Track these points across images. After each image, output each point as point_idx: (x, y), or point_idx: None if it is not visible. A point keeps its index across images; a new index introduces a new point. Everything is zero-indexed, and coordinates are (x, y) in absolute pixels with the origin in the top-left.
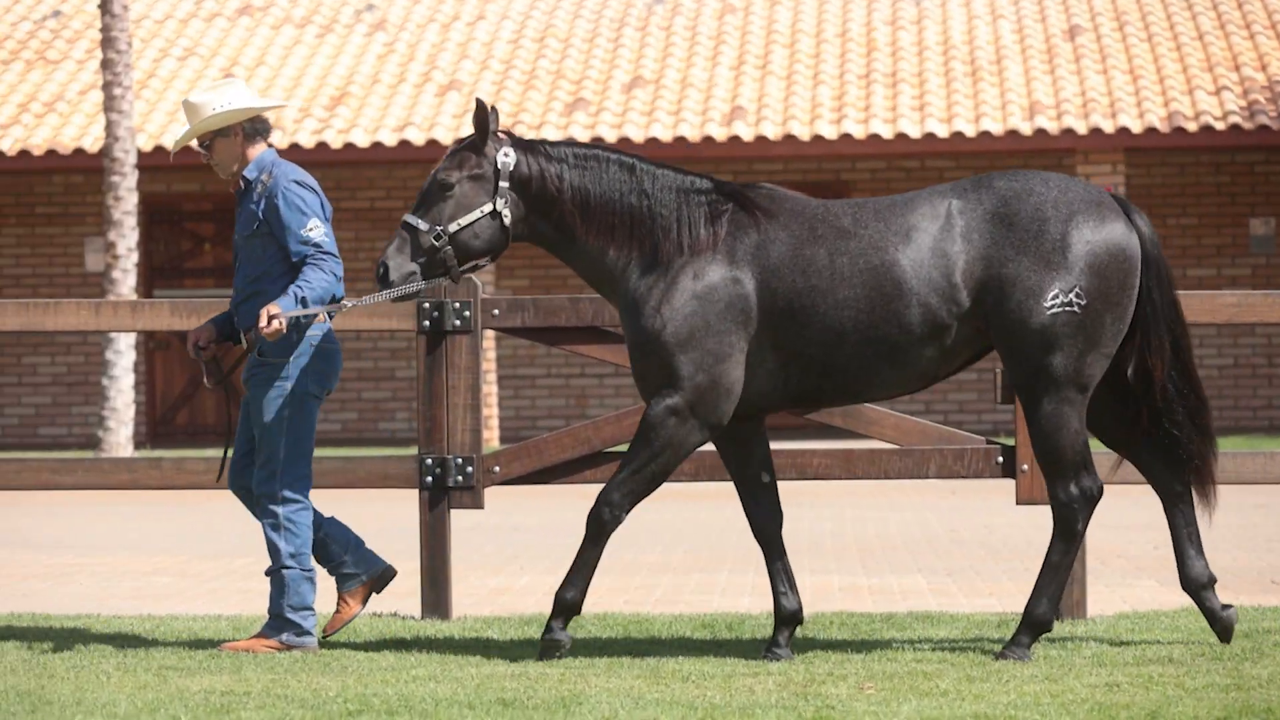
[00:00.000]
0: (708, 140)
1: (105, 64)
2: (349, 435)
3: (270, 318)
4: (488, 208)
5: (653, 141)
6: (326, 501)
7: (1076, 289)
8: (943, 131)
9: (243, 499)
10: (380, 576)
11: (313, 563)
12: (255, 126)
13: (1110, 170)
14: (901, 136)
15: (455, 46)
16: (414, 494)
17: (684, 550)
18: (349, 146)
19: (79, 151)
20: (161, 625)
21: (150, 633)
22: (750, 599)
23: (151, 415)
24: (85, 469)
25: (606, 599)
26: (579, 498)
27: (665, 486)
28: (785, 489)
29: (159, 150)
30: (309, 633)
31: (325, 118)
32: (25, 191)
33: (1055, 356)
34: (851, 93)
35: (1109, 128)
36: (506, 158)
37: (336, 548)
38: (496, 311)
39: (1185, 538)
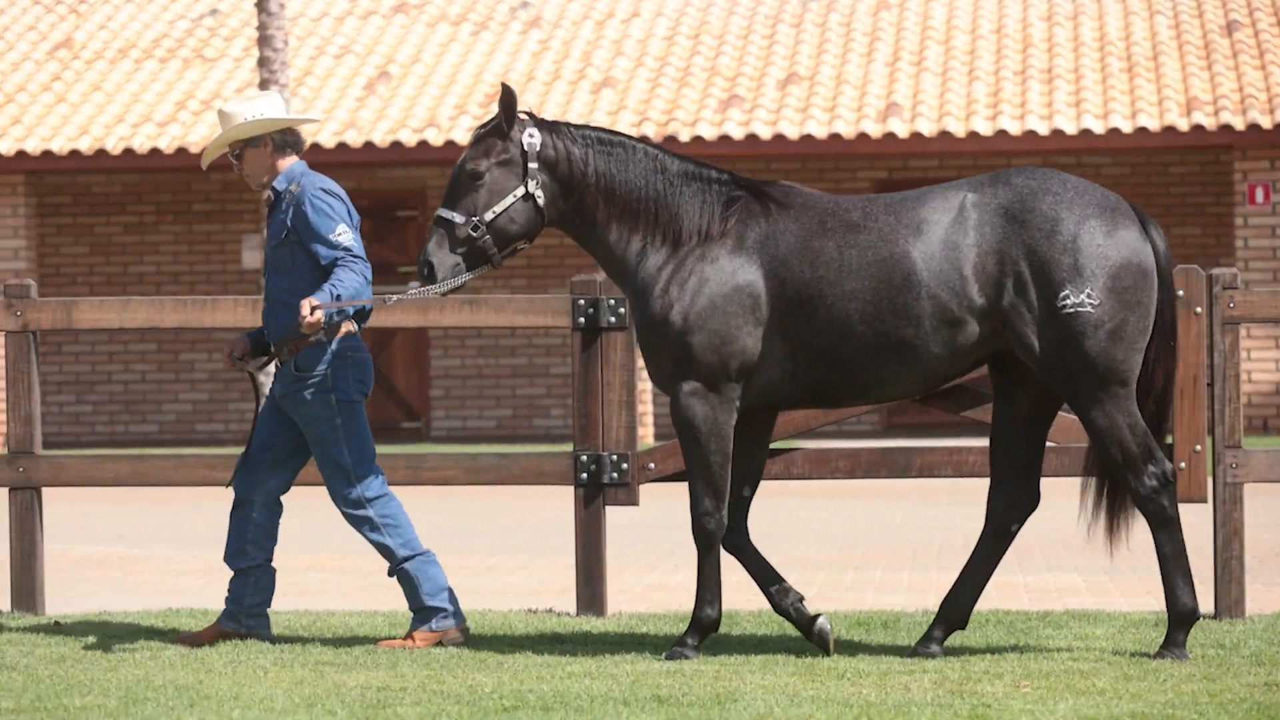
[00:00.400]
0: (863, 137)
1: (262, 62)
2: (503, 432)
3: (312, 308)
4: (520, 191)
5: (807, 138)
6: (482, 498)
7: (1088, 290)
8: (1099, 128)
9: (238, 500)
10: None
11: (423, 545)
12: (285, 139)
13: (1268, 167)
14: (1057, 133)
15: (610, 43)
16: (569, 490)
17: (839, 547)
18: None
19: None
20: (318, 621)
21: (307, 628)
22: (905, 596)
23: None
24: (227, 467)
25: (762, 597)
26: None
27: (820, 484)
28: (944, 486)
29: (315, 148)
30: (455, 613)
31: (480, 115)
32: (183, 189)
33: (1082, 353)
34: (1007, 89)
35: (1266, 124)
36: (532, 139)
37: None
38: None
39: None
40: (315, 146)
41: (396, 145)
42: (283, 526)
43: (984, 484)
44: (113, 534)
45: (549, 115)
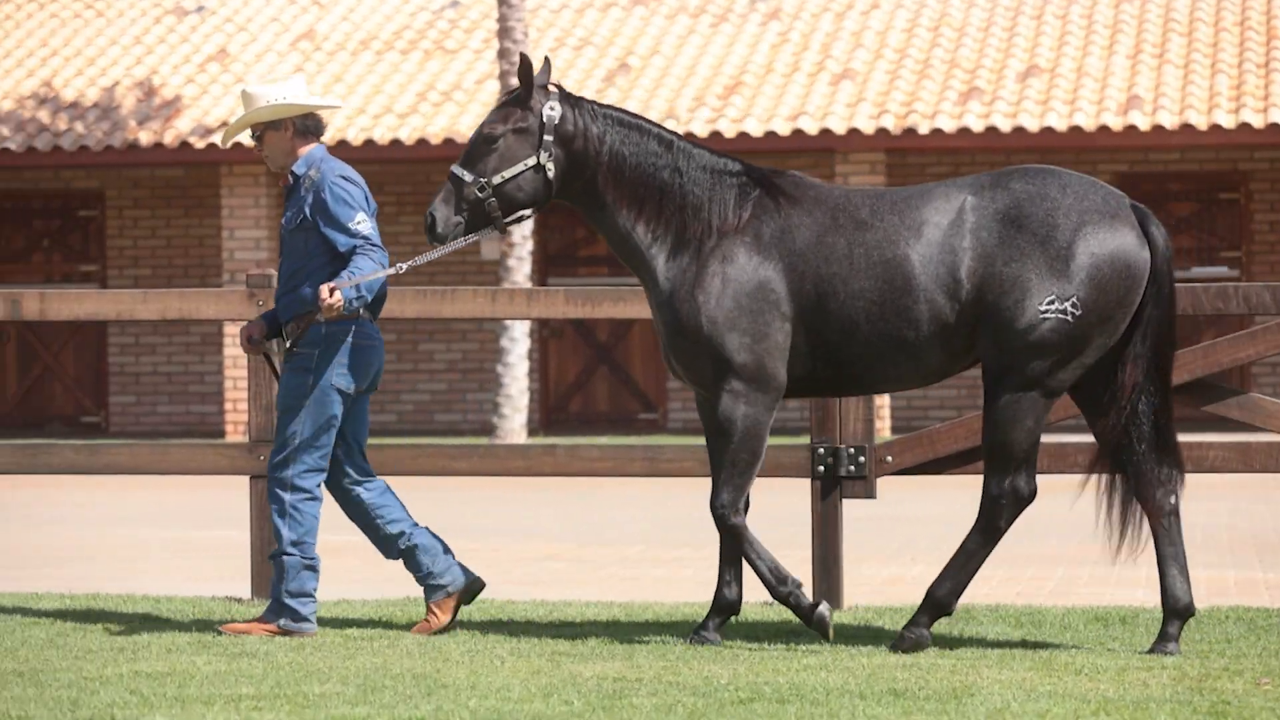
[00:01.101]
0: (1103, 130)
1: (501, 53)
2: None
3: (330, 290)
4: (531, 161)
5: (1047, 131)
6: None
7: (1074, 299)
8: None
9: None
10: (468, 588)
11: (316, 552)
12: (307, 124)
13: None
14: None
15: (849, 35)
16: (806, 483)
17: (1078, 542)
18: (742, 136)
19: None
20: (554, 611)
21: (543, 618)
22: (1144, 591)
23: (545, 402)
24: (480, 455)
25: (999, 590)
26: (971, 488)
27: (1059, 478)
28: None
29: None
30: (307, 619)
31: (719, 107)
32: (423, 180)
33: (1035, 360)
34: (1250, 81)
35: None
36: (552, 111)
37: (425, 558)
38: None
39: (1169, 557)
40: None
41: None
42: (521, 516)
43: (1224, 479)
44: (347, 523)
45: (787, 108)
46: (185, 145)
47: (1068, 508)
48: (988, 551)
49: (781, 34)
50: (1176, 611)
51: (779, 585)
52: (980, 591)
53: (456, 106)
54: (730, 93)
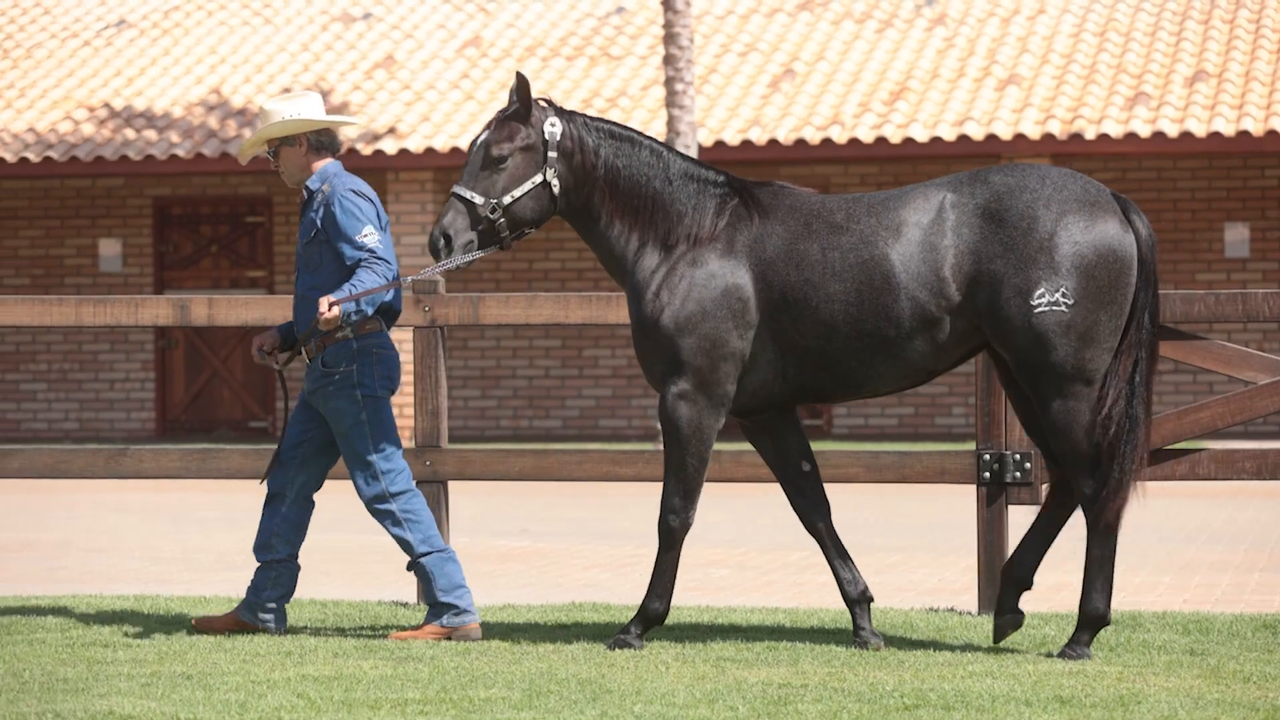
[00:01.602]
0: (1271, 135)
1: (667, 60)
2: (905, 430)
3: (329, 305)
4: (538, 179)
5: (1215, 136)
6: (883, 495)
7: (1063, 289)
8: None
9: (271, 494)
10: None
11: (444, 542)
12: (321, 140)
13: None
14: None
15: (1015, 40)
16: (971, 489)
17: (1244, 549)
18: (908, 141)
19: None
20: (719, 616)
21: (708, 623)
22: None
23: None
24: (645, 461)
25: (1166, 597)
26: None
27: (1225, 485)
28: None
29: (719, 145)
30: (468, 610)
31: (884, 112)
32: None
33: (1052, 354)
34: None
35: None
36: (553, 128)
37: (279, 583)
38: None
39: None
40: (719, 144)
41: (800, 143)
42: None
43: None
44: (517, 528)
45: (953, 113)
46: (352, 151)
47: (1235, 514)
48: (1113, 550)
49: (947, 39)
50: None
51: (655, 601)
52: (1147, 599)
53: (621, 113)
54: (896, 98)
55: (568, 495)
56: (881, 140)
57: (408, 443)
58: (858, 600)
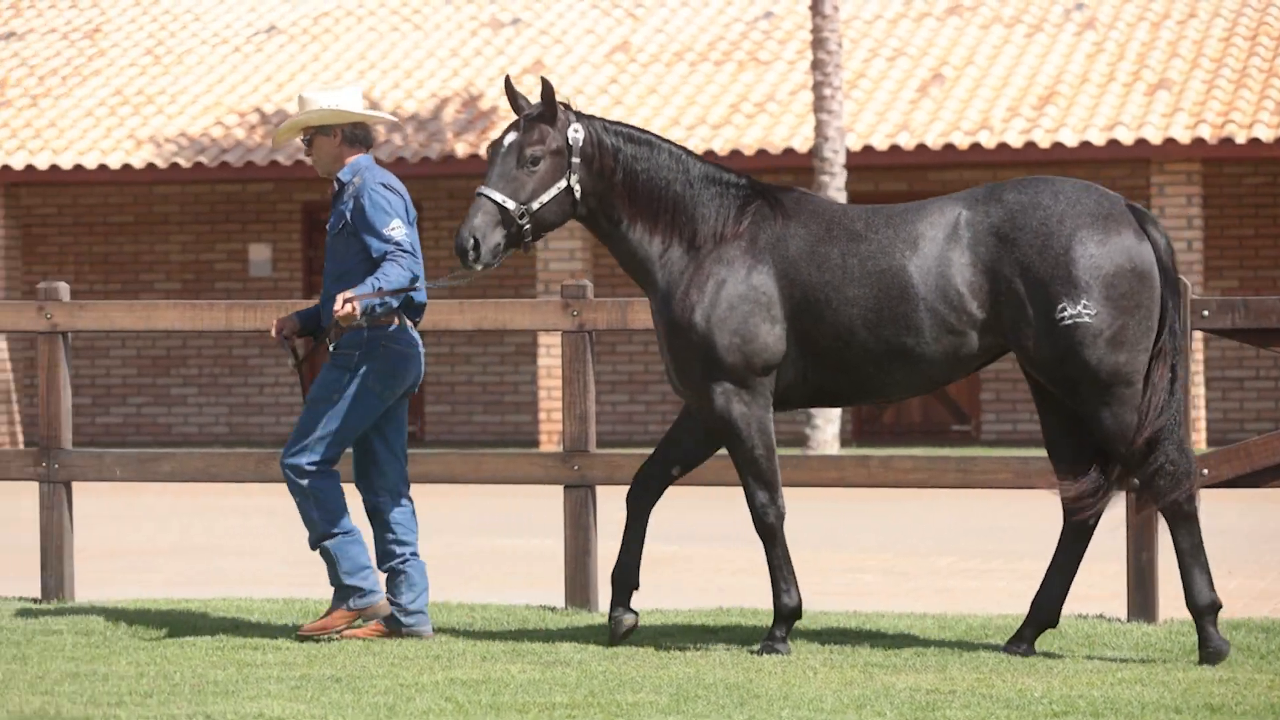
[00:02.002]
0: None
1: (815, 64)
2: (1034, 437)
3: (345, 301)
4: (564, 184)
5: None
6: (1031, 501)
7: (1084, 302)
8: None
9: (372, 514)
10: (393, 631)
11: (352, 523)
12: (356, 133)
13: None
14: None
15: (1165, 45)
16: (1121, 495)
17: None
18: (1057, 146)
19: (789, 151)
20: (867, 622)
21: (856, 629)
22: None
23: (858, 413)
24: (793, 465)
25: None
26: None
27: None
28: None
29: (867, 150)
30: (373, 590)
31: (1034, 117)
32: None
33: (1084, 363)
34: None
35: None
36: (577, 133)
37: (405, 589)
38: (1206, 313)
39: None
40: (868, 149)
41: (949, 148)
42: (834, 527)
43: None
44: (665, 532)
45: (1102, 118)
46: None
47: None
48: (1200, 539)
49: (1097, 43)
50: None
51: (786, 597)
52: (1271, 604)
53: (770, 118)
54: (1045, 103)
55: (714, 500)
56: (1030, 145)
57: (555, 447)
58: (629, 584)
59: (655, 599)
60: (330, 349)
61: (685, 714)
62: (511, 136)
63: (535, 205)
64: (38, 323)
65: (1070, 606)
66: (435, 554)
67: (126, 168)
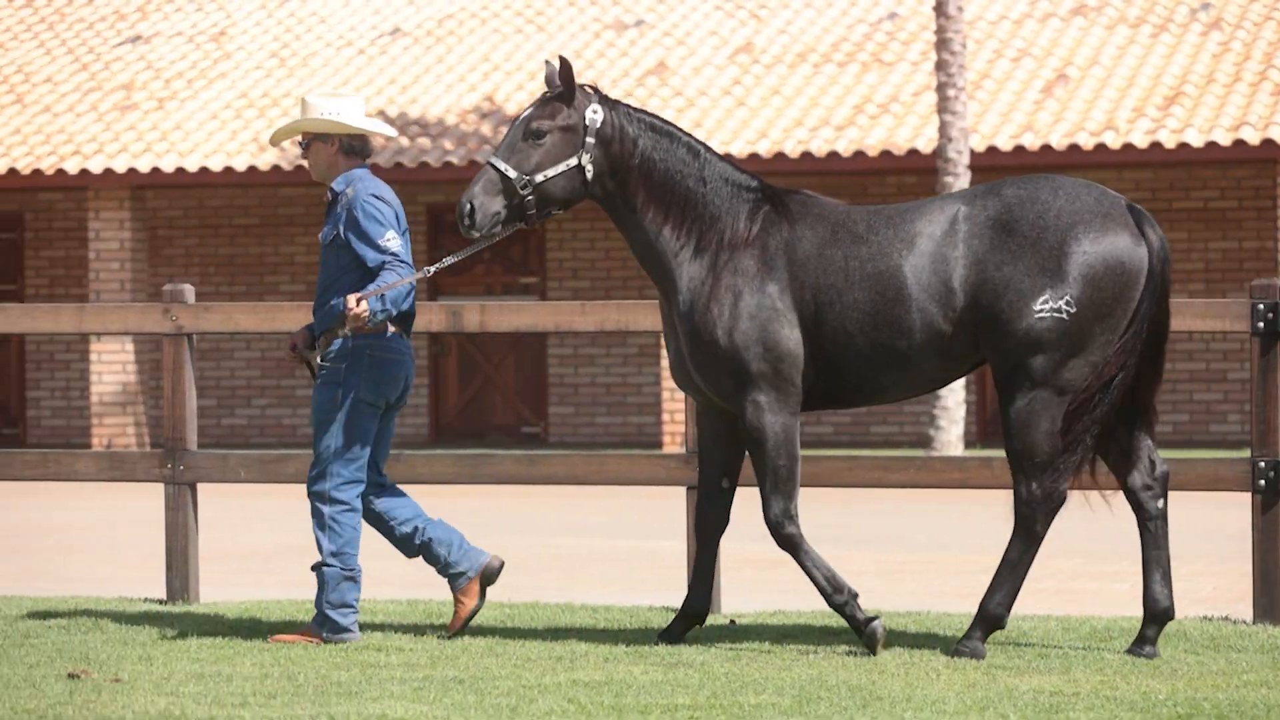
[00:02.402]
0: None
1: (939, 65)
2: (1179, 437)
3: (357, 300)
4: (574, 161)
5: None
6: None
7: (1067, 297)
8: None
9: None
10: (486, 570)
11: (357, 563)
12: (353, 144)
13: None
14: None
15: None
16: (1246, 497)
17: None
18: (1183, 146)
19: (913, 152)
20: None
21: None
22: None
23: (982, 414)
24: (916, 467)
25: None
26: None
27: None
28: None
29: (992, 151)
30: (348, 629)
31: (1159, 117)
32: (859, 191)
33: (1037, 358)
34: None
35: None
36: (595, 114)
37: (440, 549)
38: None
39: (1152, 560)
40: (992, 149)
41: (1074, 148)
42: (958, 529)
43: None
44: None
45: (1228, 118)
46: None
47: None
48: (1030, 558)
49: (1223, 44)
50: (1155, 615)
51: (835, 594)
52: None
53: (893, 119)
54: (1170, 103)
55: (838, 501)
56: (1155, 145)
57: (678, 448)
58: (695, 616)
59: (778, 600)
60: (318, 361)
61: (808, 716)
62: (527, 111)
63: (539, 178)
64: (163, 325)
65: (1196, 609)
66: (558, 555)
67: (251, 170)
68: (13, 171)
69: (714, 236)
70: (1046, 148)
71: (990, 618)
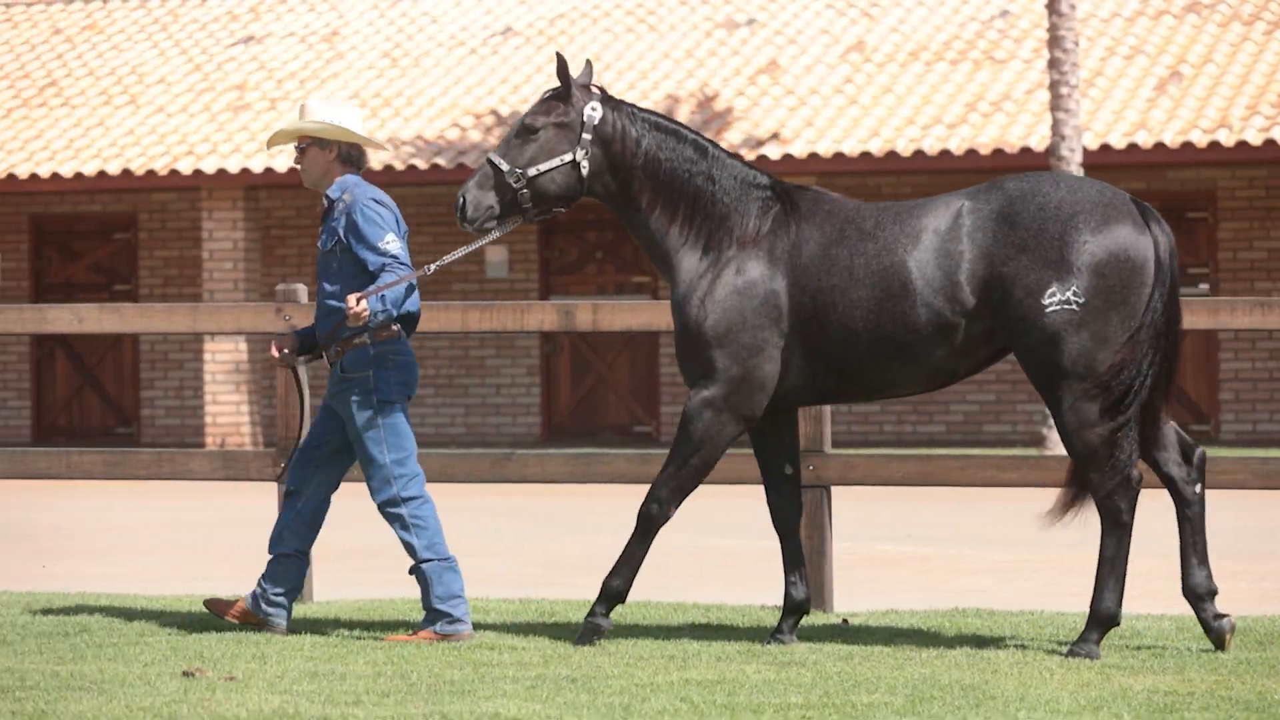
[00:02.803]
0: None
1: (1052, 63)
2: (1274, 437)
3: (357, 299)
4: (568, 157)
5: None
6: (1273, 502)
7: (1074, 288)
8: None
9: (289, 491)
10: (263, 625)
11: (449, 551)
12: (351, 153)
13: None
14: None
15: None
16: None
17: None
18: None
19: (1025, 150)
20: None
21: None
22: None
23: None
24: (1030, 466)
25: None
26: None
27: None
28: None
29: (1105, 149)
30: (461, 620)
31: (1272, 115)
32: None
33: (1060, 351)
34: None
35: None
36: (594, 111)
37: (280, 575)
38: None
39: (1189, 545)
40: (1105, 147)
41: (1187, 146)
42: (1069, 527)
43: None
44: (900, 533)
45: None
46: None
47: None
48: (1126, 549)
49: None
50: (1200, 597)
51: (612, 580)
52: None
53: (1006, 117)
54: None
55: (951, 501)
56: (1270, 143)
57: None
58: (796, 608)
59: (891, 600)
60: (339, 372)
61: (920, 715)
62: (527, 109)
63: (532, 171)
64: (276, 324)
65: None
66: (670, 553)
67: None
68: (127, 172)
69: (723, 234)
70: (1160, 145)
71: (1104, 618)
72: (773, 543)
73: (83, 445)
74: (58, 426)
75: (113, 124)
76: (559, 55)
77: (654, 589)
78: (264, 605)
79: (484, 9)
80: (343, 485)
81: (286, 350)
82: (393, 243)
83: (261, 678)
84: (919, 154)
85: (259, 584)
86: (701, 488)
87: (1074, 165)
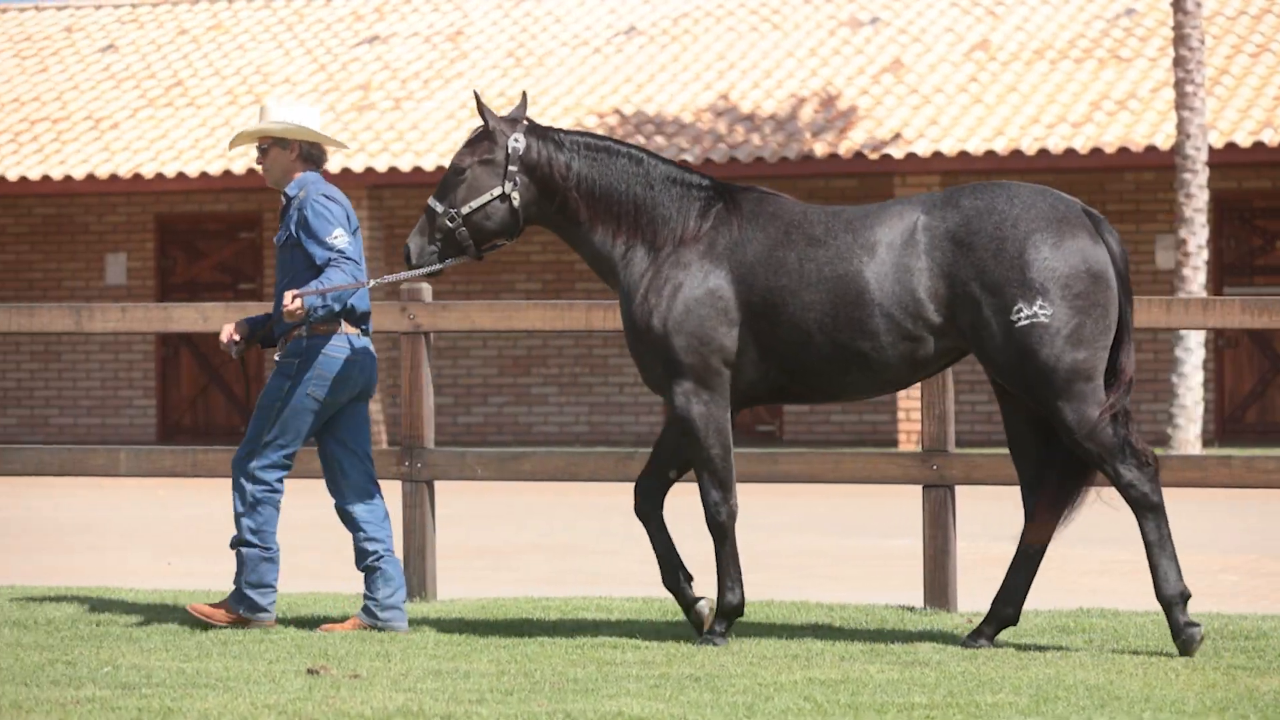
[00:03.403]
0: None
1: (1177, 61)
2: None
3: (293, 297)
4: (497, 191)
5: None
6: None
7: (1039, 302)
8: None
9: (340, 512)
10: (385, 627)
11: (275, 543)
12: (311, 151)
13: None
14: None
15: None
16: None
17: None
18: None
19: (1150, 149)
20: (1229, 624)
21: (1218, 630)
22: None
23: (1220, 413)
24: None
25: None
26: None
27: None
28: None
29: (1230, 148)
30: (265, 609)
31: None
32: (1096, 189)
33: (1040, 360)
34: None
35: None
36: (516, 143)
37: (381, 585)
38: None
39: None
40: (1231, 146)
41: None
42: (1199, 529)
43: None
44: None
45: None
46: (859, 156)
47: None
48: (1167, 528)
49: None
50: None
51: (729, 594)
52: None
53: (1131, 115)
54: None
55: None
56: None
57: (914, 447)
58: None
59: (979, 601)
60: (276, 357)
61: (1045, 715)
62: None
63: (465, 209)
64: (401, 323)
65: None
66: (792, 553)
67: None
68: (252, 172)
69: (666, 236)
70: None
71: (1173, 598)
72: (895, 543)
73: (207, 444)
74: (182, 425)
75: (238, 124)
76: (476, 93)
77: (776, 588)
78: (379, 614)
79: (607, 8)
80: (456, 485)
81: (236, 338)
82: (340, 238)
83: (385, 676)
84: (1043, 153)
85: (367, 601)
86: (827, 488)
87: (1199, 164)
